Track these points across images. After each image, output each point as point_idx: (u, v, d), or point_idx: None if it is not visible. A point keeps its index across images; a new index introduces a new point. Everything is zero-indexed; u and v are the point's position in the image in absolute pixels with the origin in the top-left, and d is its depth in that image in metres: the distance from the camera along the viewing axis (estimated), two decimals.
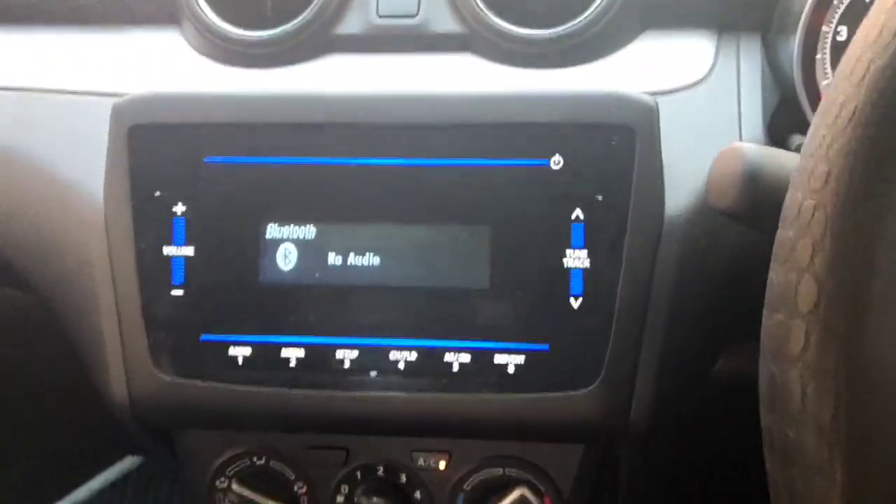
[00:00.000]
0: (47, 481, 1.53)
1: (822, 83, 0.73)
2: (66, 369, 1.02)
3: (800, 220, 0.39)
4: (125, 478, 1.58)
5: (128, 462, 1.57)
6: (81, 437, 1.30)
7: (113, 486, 1.58)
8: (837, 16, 0.73)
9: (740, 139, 0.73)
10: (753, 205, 0.50)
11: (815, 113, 0.42)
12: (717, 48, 0.78)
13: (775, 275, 0.41)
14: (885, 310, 0.38)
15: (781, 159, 0.51)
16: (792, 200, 0.41)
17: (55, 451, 1.41)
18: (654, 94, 0.73)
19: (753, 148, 0.52)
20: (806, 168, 0.40)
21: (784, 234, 0.41)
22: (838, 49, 0.73)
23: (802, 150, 0.41)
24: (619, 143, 0.69)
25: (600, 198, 0.69)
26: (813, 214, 0.39)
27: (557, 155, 0.69)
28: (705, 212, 0.71)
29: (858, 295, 0.38)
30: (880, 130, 0.38)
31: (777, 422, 0.41)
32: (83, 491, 1.56)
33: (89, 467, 1.56)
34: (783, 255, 0.41)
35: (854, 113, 0.38)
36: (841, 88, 0.39)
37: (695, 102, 0.75)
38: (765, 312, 0.42)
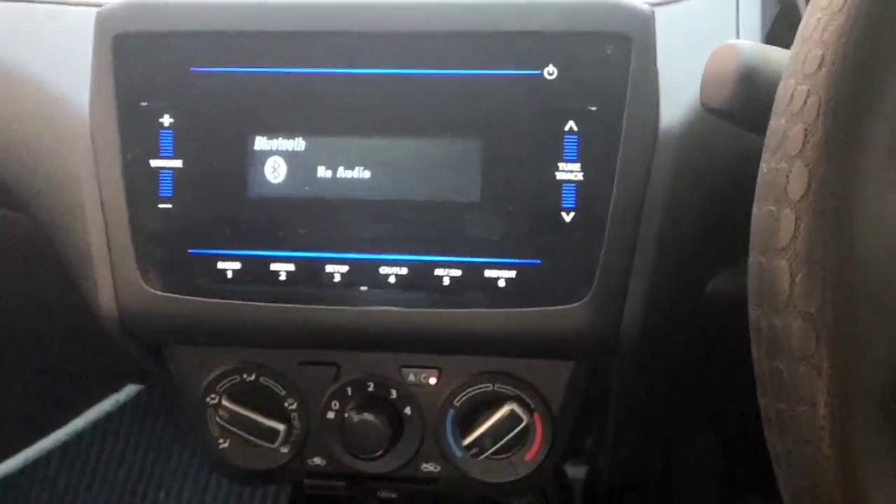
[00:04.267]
0: (43, 409, 1.54)
1: None
2: (60, 292, 1.01)
3: (792, 107, 0.39)
4: (121, 409, 1.58)
5: (124, 393, 1.57)
6: (80, 363, 1.30)
7: (108, 416, 1.58)
8: None
9: None
10: (748, 102, 0.49)
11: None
12: None
13: (766, 165, 0.40)
14: (875, 194, 0.37)
15: (778, 56, 0.50)
16: (785, 88, 0.40)
17: (53, 378, 1.41)
18: (648, 2, 0.71)
19: (749, 45, 0.50)
20: (799, 54, 0.39)
21: (776, 122, 0.40)
22: None
23: (797, 35, 0.40)
24: (614, 53, 0.67)
25: (594, 109, 0.68)
26: (806, 100, 0.38)
27: (551, 65, 0.68)
28: (700, 123, 0.70)
29: (849, 178, 0.37)
30: (876, 8, 0.36)
31: (764, 313, 0.41)
32: (79, 421, 1.57)
33: (87, 395, 1.57)
34: (774, 143, 0.40)
35: None
36: None
37: (690, 12, 0.74)
38: (755, 205, 0.41)
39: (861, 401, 0.39)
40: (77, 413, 1.58)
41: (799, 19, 0.70)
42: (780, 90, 0.40)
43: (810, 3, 0.41)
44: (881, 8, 0.37)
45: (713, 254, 0.76)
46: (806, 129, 0.38)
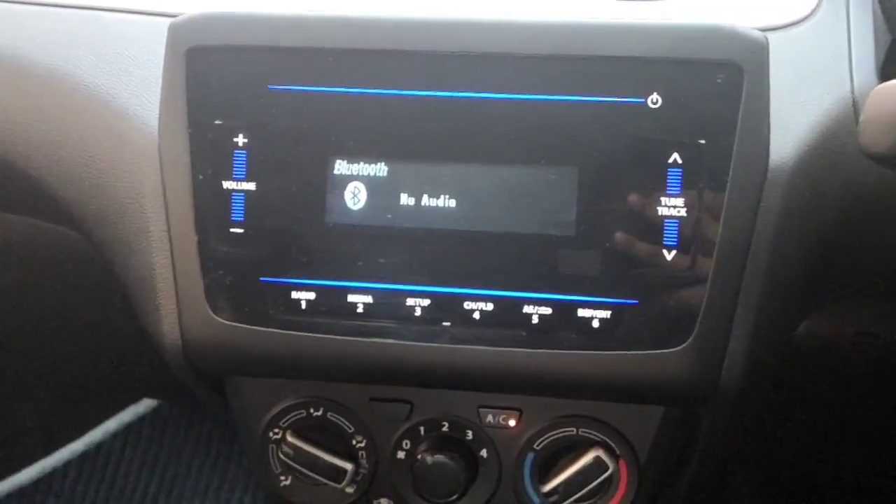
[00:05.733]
0: (62, 419, 1.50)
1: None
2: (95, 309, 0.97)
3: None
4: (140, 420, 1.55)
5: (143, 405, 1.54)
6: (102, 375, 1.27)
7: (128, 428, 1.55)
8: None
9: (851, 81, 0.68)
10: None
11: None
12: None
13: None
14: None
15: None
16: None
17: (75, 388, 1.38)
18: (759, 27, 0.67)
19: None
20: None
21: None
22: None
23: None
24: (724, 82, 0.63)
25: (701, 141, 0.63)
26: None
27: (655, 93, 0.64)
28: (812, 161, 0.65)
29: None
30: None
31: None
32: (99, 431, 1.53)
33: (106, 407, 1.53)
34: None
35: None
36: None
37: (801, 40, 0.69)
38: None
39: None
40: (96, 424, 1.54)
41: None
42: None
43: None
44: None
45: (812, 297, 0.72)
46: None
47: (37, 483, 1.50)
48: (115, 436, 1.55)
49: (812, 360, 0.79)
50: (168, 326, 0.69)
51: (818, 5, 0.71)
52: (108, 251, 0.73)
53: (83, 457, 1.53)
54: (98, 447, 1.53)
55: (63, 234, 0.81)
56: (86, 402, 1.50)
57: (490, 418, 0.72)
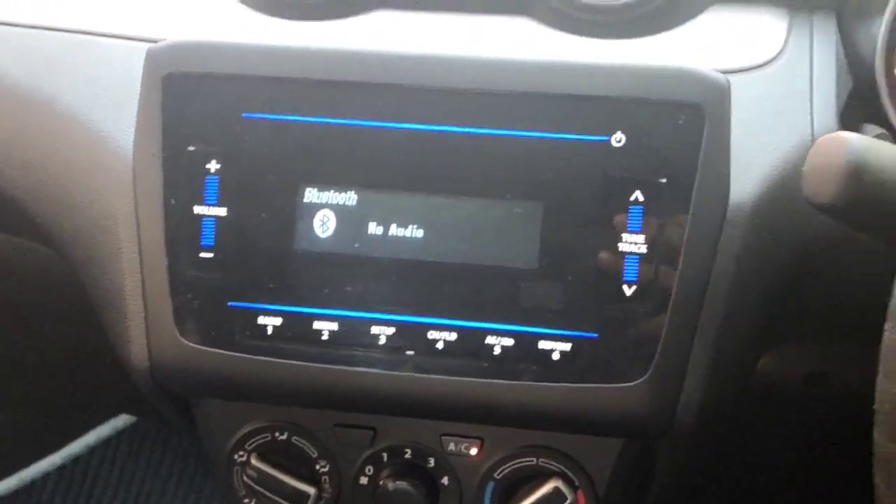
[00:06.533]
0: (41, 432, 1.50)
1: None
2: (72, 323, 0.98)
3: None
4: (119, 434, 1.55)
5: (121, 419, 1.54)
6: (79, 390, 1.27)
7: (107, 442, 1.55)
8: None
9: (811, 125, 0.69)
10: (856, 200, 0.46)
11: None
12: (789, 27, 0.74)
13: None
14: None
15: (888, 152, 0.47)
16: None
17: (52, 402, 1.38)
18: (720, 72, 0.69)
19: (856, 137, 0.48)
20: None
21: None
22: None
23: None
24: (686, 123, 0.64)
25: (663, 180, 0.65)
26: None
27: (619, 132, 0.65)
28: (771, 202, 0.67)
29: None
30: None
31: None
32: (77, 445, 1.53)
33: (84, 421, 1.53)
34: None
35: None
36: None
37: (764, 83, 0.71)
38: (880, 378, 0.38)
39: None
40: (74, 437, 1.54)
41: (874, 95, 0.69)
42: None
43: None
44: None
45: (770, 334, 0.74)
46: None
47: (15, 494, 1.50)
48: (93, 450, 1.54)
49: (767, 398, 0.80)
50: (136, 348, 0.70)
51: (783, 48, 0.73)
52: (81, 271, 0.74)
53: (61, 470, 1.52)
54: (76, 461, 1.53)
55: (41, 251, 0.82)
56: (64, 417, 1.50)
57: (452, 446, 0.73)
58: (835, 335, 0.77)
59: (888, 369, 0.39)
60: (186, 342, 0.68)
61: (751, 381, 0.78)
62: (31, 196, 0.75)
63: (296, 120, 0.67)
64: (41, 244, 0.80)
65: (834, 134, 0.48)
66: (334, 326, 0.68)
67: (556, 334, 0.66)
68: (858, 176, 0.46)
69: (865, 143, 0.47)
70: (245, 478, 0.74)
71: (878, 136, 0.67)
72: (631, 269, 0.65)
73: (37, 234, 0.78)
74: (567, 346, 0.66)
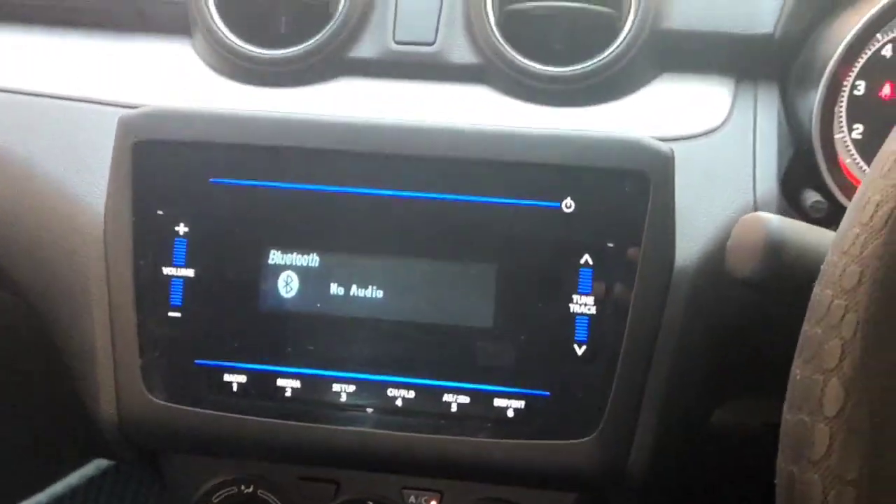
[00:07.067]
0: (23, 475, 1.50)
1: (837, 136, 0.72)
2: (48, 374, 1.00)
3: (829, 319, 0.38)
4: (103, 474, 1.55)
5: (93, 467, 1.54)
6: (60, 434, 1.28)
7: (90, 481, 1.55)
8: (856, 70, 0.72)
9: (754, 190, 0.72)
10: (773, 276, 0.49)
11: (849, 207, 0.41)
12: (735, 95, 0.77)
13: (800, 371, 0.40)
14: None
15: (803, 232, 0.50)
16: (821, 297, 0.40)
17: (32, 446, 1.39)
18: (669, 139, 0.72)
19: (775, 218, 0.51)
20: (837, 265, 0.39)
21: (812, 330, 0.40)
22: (855, 104, 0.72)
23: (833, 244, 0.40)
24: (632, 190, 0.68)
25: (611, 245, 0.68)
26: (843, 315, 0.38)
27: (569, 198, 0.68)
28: (714, 263, 0.70)
29: (887, 401, 0.36)
30: None
31: None
32: (60, 486, 1.54)
33: (66, 463, 1.54)
34: (809, 352, 0.39)
35: (890, 215, 0.37)
36: (876, 187, 0.38)
37: (709, 150, 0.74)
38: (785, 408, 0.41)
39: None
40: (57, 479, 1.55)
41: (813, 163, 0.72)
42: (817, 297, 0.40)
43: (848, 214, 0.41)
44: None
45: (719, 389, 0.76)
46: (843, 346, 0.37)
47: None
48: (75, 490, 1.55)
49: (723, 447, 0.83)
50: (105, 402, 0.72)
51: (728, 117, 0.76)
52: (51, 326, 0.77)
53: None
54: (59, 501, 1.54)
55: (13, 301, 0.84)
56: (50, 457, 1.51)
57: (413, 499, 0.75)
58: (785, 387, 0.80)
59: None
60: (154, 399, 0.71)
61: (708, 431, 0.81)
62: (3, 250, 0.77)
63: (260, 185, 0.70)
64: (10, 294, 0.82)
65: (754, 214, 0.52)
66: (297, 384, 0.70)
67: (510, 392, 0.69)
68: (776, 253, 0.49)
69: (781, 223, 0.50)
70: None
71: (817, 203, 0.71)
72: (581, 330, 0.68)
73: (6, 285, 0.80)
74: (520, 404, 0.68)
